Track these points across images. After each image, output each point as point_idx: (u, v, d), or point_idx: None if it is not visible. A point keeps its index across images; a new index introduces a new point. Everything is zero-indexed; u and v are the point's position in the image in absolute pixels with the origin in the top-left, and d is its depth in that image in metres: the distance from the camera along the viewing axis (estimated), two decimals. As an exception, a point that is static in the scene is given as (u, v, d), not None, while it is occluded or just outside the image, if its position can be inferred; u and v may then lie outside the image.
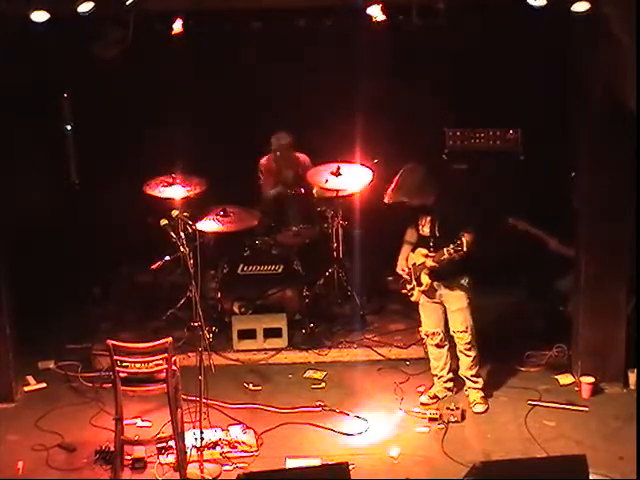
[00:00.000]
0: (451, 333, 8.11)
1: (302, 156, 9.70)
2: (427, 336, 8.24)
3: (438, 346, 8.21)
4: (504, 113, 9.75)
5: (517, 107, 9.67)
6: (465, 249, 7.61)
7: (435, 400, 8.26)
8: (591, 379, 8.28)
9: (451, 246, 7.65)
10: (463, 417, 8.05)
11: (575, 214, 8.43)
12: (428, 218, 7.97)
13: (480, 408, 8.15)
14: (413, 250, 8.12)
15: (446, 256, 7.73)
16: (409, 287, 8.18)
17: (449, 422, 7.95)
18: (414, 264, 8.08)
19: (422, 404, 8.23)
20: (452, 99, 9.75)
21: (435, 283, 8.00)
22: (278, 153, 9.56)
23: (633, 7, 6.65)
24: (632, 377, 8.35)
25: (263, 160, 9.74)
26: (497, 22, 8.70)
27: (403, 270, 8.17)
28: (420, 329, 8.33)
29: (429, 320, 8.19)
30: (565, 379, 8.55)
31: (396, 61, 9.71)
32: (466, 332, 8.03)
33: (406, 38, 8.99)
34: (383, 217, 9.77)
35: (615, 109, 7.48)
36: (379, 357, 8.97)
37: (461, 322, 8.04)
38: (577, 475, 6.06)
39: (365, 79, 9.72)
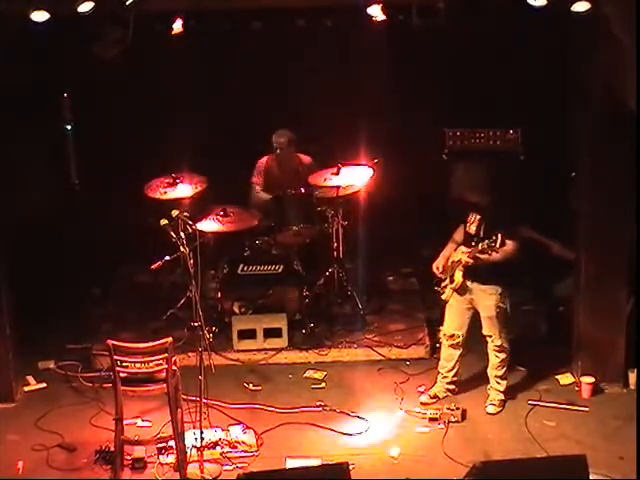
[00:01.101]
0: (484, 335, 8.11)
1: (304, 157, 9.70)
2: (445, 336, 8.23)
3: (453, 347, 8.19)
4: (504, 113, 9.75)
5: (517, 107, 9.67)
6: (498, 246, 7.60)
7: (435, 400, 8.26)
8: (591, 379, 8.28)
9: (486, 241, 7.66)
10: (463, 417, 8.04)
11: (575, 214, 8.43)
12: (477, 217, 7.95)
13: (492, 409, 8.15)
14: (457, 249, 8.13)
15: (480, 251, 7.71)
16: (443, 285, 8.17)
17: (449, 422, 7.95)
18: (452, 261, 8.07)
19: (422, 403, 8.23)
20: (452, 99, 9.75)
21: (469, 284, 8.00)
22: (278, 150, 9.55)
23: (633, 7, 6.66)
24: (632, 377, 8.35)
25: (262, 160, 9.73)
26: (497, 22, 8.70)
27: (437, 268, 8.17)
28: (440, 328, 8.32)
29: (452, 322, 8.18)
30: (565, 379, 8.55)
31: (396, 61, 9.71)
32: (496, 336, 8.03)
33: (406, 38, 8.99)
34: (383, 217, 9.83)
35: (615, 109, 7.48)
36: (379, 357, 8.96)
37: (489, 328, 8.04)
38: (577, 475, 6.06)
39: (365, 79, 9.73)
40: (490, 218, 7.87)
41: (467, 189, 7.91)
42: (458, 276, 7.99)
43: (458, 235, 8.18)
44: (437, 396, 8.29)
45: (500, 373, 8.17)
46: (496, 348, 8.09)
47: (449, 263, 8.09)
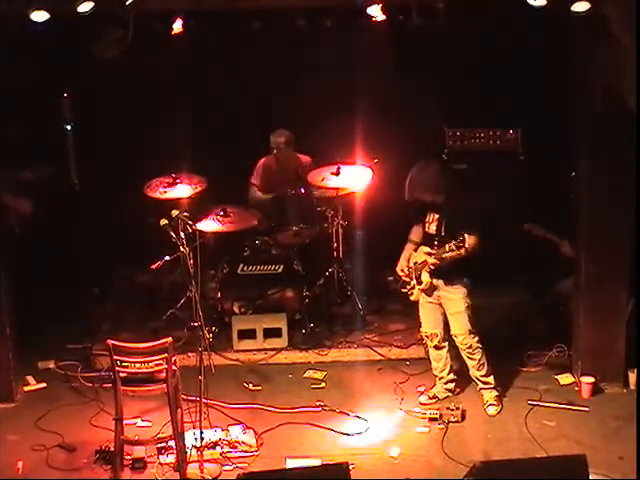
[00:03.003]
0: (452, 335, 8.13)
1: (303, 157, 9.70)
2: (426, 337, 8.25)
3: (437, 347, 8.21)
4: (504, 113, 9.74)
5: (517, 107, 9.67)
6: (467, 246, 7.60)
7: (434, 400, 8.26)
8: (591, 379, 8.28)
9: (453, 242, 7.65)
10: (463, 417, 8.04)
11: (575, 214, 8.42)
12: (436, 216, 7.96)
13: (492, 410, 8.13)
14: (416, 249, 8.13)
15: (447, 252, 7.72)
16: (409, 286, 8.18)
17: (449, 422, 7.95)
18: (415, 262, 8.07)
19: (421, 404, 8.23)
20: (452, 99, 9.75)
21: (434, 281, 8.00)
22: (275, 151, 9.55)
23: (633, 7, 6.64)
24: (632, 377, 8.35)
25: (262, 160, 9.73)
26: (497, 22, 8.70)
27: (402, 270, 8.18)
28: (420, 330, 8.34)
29: (428, 321, 8.19)
30: (565, 379, 8.55)
31: (396, 61, 9.71)
32: (464, 335, 8.02)
33: (406, 38, 8.99)
34: (383, 217, 9.83)
35: (615, 109, 7.48)
36: (379, 357, 8.97)
37: (459, 325, 8.03)
38: (577, 475, 6.06)
39: (365, 79, 9.73)
40: (449, 216, 7.87)
41: (422, 189, 7.88)
42: (425, 277, 7.98)
43: (414, 235, 8.20)
44: (437, 397, 8.28)
45: (482, 372, 8.17)
46: (468, 349, 8.07)
47: (412, 265, 8.10)
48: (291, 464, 7.42)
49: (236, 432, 7.87)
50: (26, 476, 7.50)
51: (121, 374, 7.23)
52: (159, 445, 7.58)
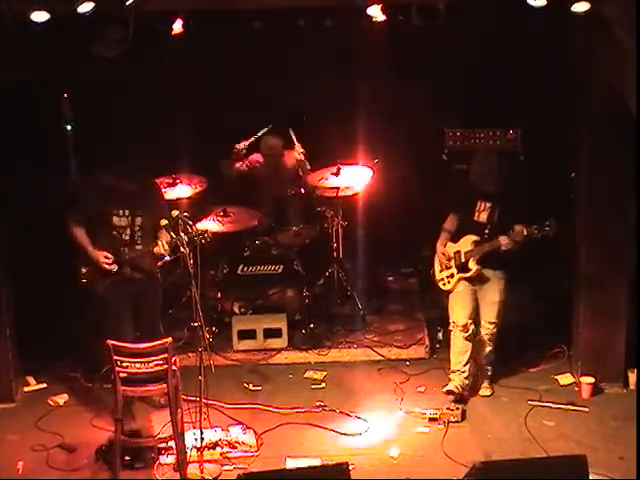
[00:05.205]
0: (481, 322, 8.17)
1: (297, 154, 9.62)
2: (458, 327, 8.18)
3: (467, 339, 8.17)
4: (504, 113, 9.75)
5: (517, 107, 9.67)
6: (552, 233, 7.70)
7: (462, 390, 8.22)
8: (591, 379, 8.28)
9: (534, 226, 7.74)
10: (463, 417, 8.04)
11: (575, 214, 8.43)
12: (488, 205, 8.03)
13: (487, 392, 8.27)
14: (455, 238, 8.15)
15: (522, 236, 7.78)
16: (445, 275, 8.18)
17: (449, 422, 7.95)
18: (458, 251, 8.09)
19: (450, 395, 8.20)
20: (452, 99, 9.75)
21: (483, 270, 8.06)
22: (280, 152, 9.51)
23: (633, 7, 6.64)
24: (632, 377, 8.35)
25: (257, 157, 9.65)
26: (497, 22, 8.71)
27: (443, 254, 8.19)
28: (451, 320, 8.26)
29: (463, 310, 8.18)
30: (565, 379, 8.55)
31: (396, 61, 9.71)
32: (495, 324, 8.13)
33: (406, 38, 9.00)
34: (383, 217, 9.84)
35: (615, 109, 7.48)
36: (379, 357, 8.97)
37: (496, 314, 8.13)
38: (577, 475, 6.06)
39: (365, 79, 9.73)
40: (504, 205, 7.95)
41: (482, 179, 7.99)
42: (473, 264, 8.02)
43: (450, 225, 8.25)
44: (460, 388, 8.22)
45: (490, 360, 8.30)
46: (490, 337, 8.17)
47: (452, 254, 8.13)
48: (291, 464, 7.42)
49: (236, 432, 7.86)
50: (26, 476, 7.50)
51: (121, 374, 7.23)
52: (159, 445, 7.58)
